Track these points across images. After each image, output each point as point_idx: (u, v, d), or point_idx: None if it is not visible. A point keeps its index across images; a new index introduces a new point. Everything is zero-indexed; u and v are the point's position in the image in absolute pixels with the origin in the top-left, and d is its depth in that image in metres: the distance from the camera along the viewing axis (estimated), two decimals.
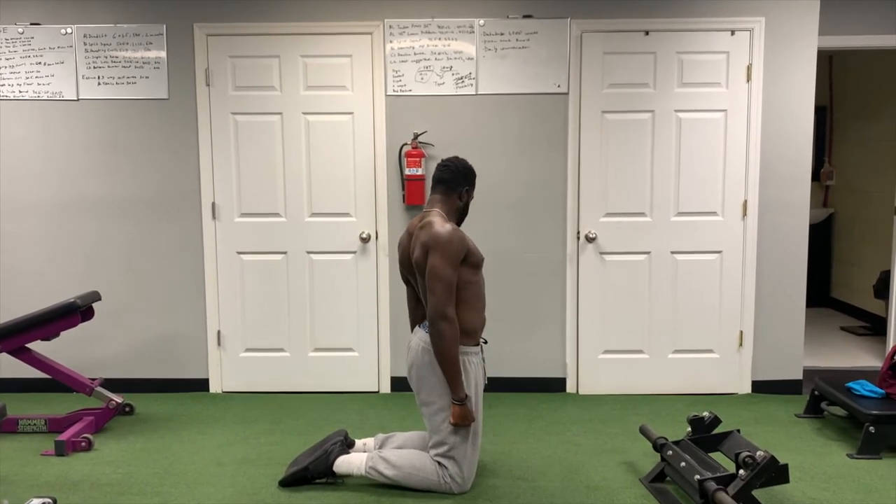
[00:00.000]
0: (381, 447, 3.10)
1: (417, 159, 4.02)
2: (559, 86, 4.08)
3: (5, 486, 3.01)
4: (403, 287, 4.19)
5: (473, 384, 2.87)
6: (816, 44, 4.05)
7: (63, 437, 3.37)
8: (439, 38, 4.07)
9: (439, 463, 2.88)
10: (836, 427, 3.68)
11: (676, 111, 4.08)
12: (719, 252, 4.16)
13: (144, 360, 4.31)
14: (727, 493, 2.48)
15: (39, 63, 4.13)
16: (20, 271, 4.27)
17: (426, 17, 4.06)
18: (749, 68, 4.05)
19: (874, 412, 3.27)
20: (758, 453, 2.54)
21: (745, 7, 4.03)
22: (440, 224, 2.81)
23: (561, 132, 4.12)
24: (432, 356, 2.83)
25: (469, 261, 2.85)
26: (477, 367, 2.90)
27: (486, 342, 3.09)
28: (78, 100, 4.15)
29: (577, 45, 4.06)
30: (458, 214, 3.02)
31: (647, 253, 4.17)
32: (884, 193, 5.70)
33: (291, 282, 4.25)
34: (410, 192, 4.07)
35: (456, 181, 2.96)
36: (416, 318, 3.12)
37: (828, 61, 6.43)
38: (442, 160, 3.02)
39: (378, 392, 4.31)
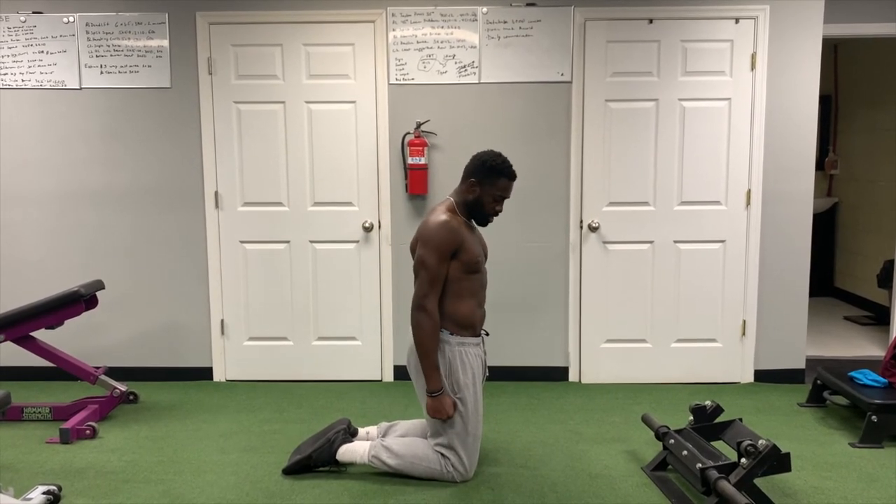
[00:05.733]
0: (383, 436, 3.11)
1: (420, 148, 4.01)
2: (562, 74, 4.07)
3: (10, 473, 3.03)
4: (406, 276, 4.20)
5: (471, 375, 2.87)
6: (821, 32, 4.03)
7: (68, 424, 3.39)
8: (442, 27, 4.05)
9: (441, 454, 2.89)
10: (838, 416, 3.68)
11: (680, 100, 4.06)
12: (722, 241, 4.15)
13: (148, 348, 4.33)
14: (729, 481, 2.48)
15: (42, 52, 4.12)
16: (23, 261, 4.27)
17: (429, 5, 4.04)
18: (753, 57, 4.03)
19: (877, 401, 3.27)
20: (760, 442, 2.55)
21: None
22: (437, 214, 2.83)
23: (564, 121, 4.11)
24: None
25: (461, 258, 2.80)
26: (475, 359, 2.90)
27: (487, 334, 3.09)
28: (80, 89, 4.14)
29: (581, 33, 4.04)
30: (469, 208, 2.90)
31: (651, 242, 4.16)
32: (888, 183, 5.68)
33: (294, 271, 4.25)
34: (413, 182, 4.06)
35: (467, 170, 2.89)
36: None
37: (833, 50, 6.39)
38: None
39: (381, 381, 4.32)
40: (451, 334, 2.85)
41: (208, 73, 4.12)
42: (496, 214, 2.92)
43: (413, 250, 2.91)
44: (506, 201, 4.09)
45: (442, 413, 2.80)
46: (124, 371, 4.31)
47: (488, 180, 2.84)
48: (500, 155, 2.87)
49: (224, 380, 4.34)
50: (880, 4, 4.21)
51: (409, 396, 3.99)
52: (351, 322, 4.29)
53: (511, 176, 2.87)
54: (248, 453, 3.24)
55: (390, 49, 4.07)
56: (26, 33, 4.11)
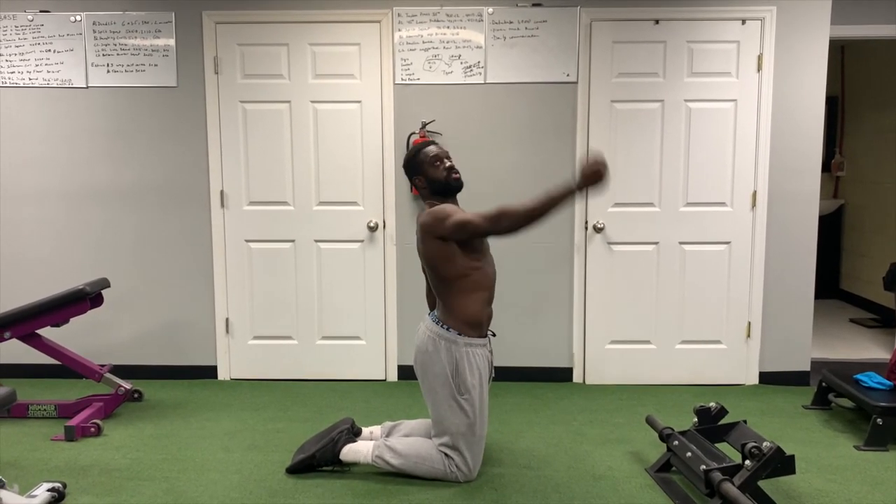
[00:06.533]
0: (387, 435, 3.11)
1: None
2: (568, 75, 4.06)
3: (16, 470, 3.04)
4: (410, 276, 4.20)
5: (478, 376, 2.87)
6: (828, 33, 4.01)
7: (73, 422, 3.40)
8: (448, 27, 4.05)
9: (445, 453, 2.89)
10: (843, 419, 3.67)
11: (686, 101, 4.05)
12: (728, 243, 4.14)
13: (153, 346, 4.34)
14: (733, 483, 2.48)
15: (49, 51, 4.14)
16: (28, 259, 4.29)
17: (435, 5, 4.04)
18: (760, 58, 4.02)
19: (882, 404, 3.26)
20: (764, 444, 2.54)
21: None
22: (427, 209, 2.89)
23: (569, 121, 4.11)
24: (436, 346, 2.85)
25: (469, 242, 2.83)
26: (482, 360, 2.90)
27: (493, 335, 3.09)
28: (87, 87, 4.16)
29: (587, 33, 4.03)
30: (438, 193, 2.92)
31: (656, 243, 4.16)
32: (894, 184, 5.66)
33: (299, 270, 4.26)
34: None
35: (410, 177, 3.00)
36: (430, 304, 3.16)
37: (840, 51, 6.37)
38: None
39: (385, 380, 4.32)
40: (459, 334, 2.85)
41: (214, 73, 4.13)
42: (453, 172, 2.92)
43: (422, 254, 2.90)
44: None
45: (600, 172, 2.60)
46: (129, 369, 4.32)
47: (419, 165, 2.95)
48: (410, 150, 3.04)
49: (228, 378, 4.35)
50: (888, 6, 4.19)
51: (413, 396, 3.99)
52: (355, 321, 4.29)
53: (426, 144, 2.99)
54: (251, 452, 3.24)
55: (396, 49, 4.07)
56: (33, 32, 4.13)
